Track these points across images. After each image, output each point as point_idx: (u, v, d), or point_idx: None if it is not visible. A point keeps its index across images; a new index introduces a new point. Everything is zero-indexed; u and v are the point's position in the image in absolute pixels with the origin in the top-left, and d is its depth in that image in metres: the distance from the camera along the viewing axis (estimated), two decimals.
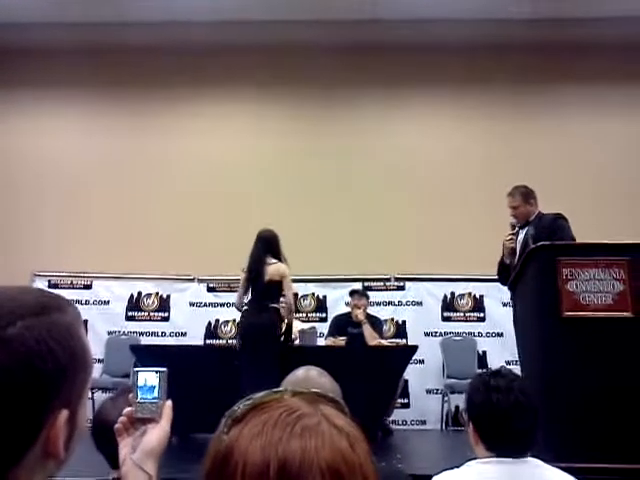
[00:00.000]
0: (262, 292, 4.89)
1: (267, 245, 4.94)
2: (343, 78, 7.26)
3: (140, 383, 1.09)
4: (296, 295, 4.92)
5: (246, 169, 7.13)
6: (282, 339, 4.97)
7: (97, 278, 6.91)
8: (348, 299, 6.19)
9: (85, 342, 0.75)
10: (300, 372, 1.57)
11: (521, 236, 4.34)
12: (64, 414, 0.69)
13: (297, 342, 5.52)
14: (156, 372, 1.11)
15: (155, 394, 1.08)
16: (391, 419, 5.85)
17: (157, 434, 1.05)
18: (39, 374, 0.67)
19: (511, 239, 4.33)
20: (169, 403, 1.08)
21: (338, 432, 0.62)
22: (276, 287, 4.88)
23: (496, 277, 4.65)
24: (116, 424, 1.07)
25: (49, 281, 6.85)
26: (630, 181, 6.88)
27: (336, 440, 0.61)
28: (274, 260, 4.90)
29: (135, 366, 6.11)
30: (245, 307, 5.03)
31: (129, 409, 1.07)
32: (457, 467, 1.69)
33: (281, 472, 0.58)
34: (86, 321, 6.62)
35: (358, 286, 6.50)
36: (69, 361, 0.70)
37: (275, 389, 0.68)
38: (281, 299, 4.92)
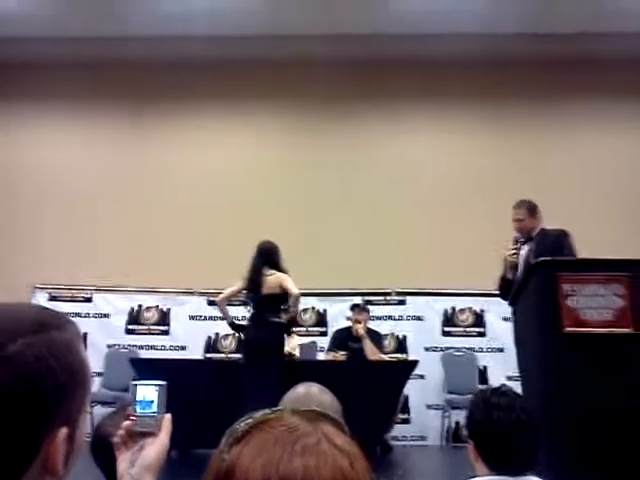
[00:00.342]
0: (262, 305, 4.87)
1: (266, 256, 4.92)
2: (346, 91, 7.31)
3: (139, 397, 1.08)
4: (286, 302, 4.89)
5: (247, 182, 7.15)
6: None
7: (97, 291, 6.90)
8: (348, 313, 6.18)
9: (84, 359, 0.75)
10: (301, 389, 1.56)
11: (524, 251, 4.32)
12: (63, 431, 0.69)
13: (297, 356, 5.51)
14: (155, 385, 1.09)
15: (154, 408, 1.07)
16: (391, 435, 5.81)
17: (156, 448, 1.04)
18: (39, 392, 0.67)
19: (514, 254, 4.31)
20: (168, 417, 1.07)
21: (339, 451, 0.62)
22: (277, 300, 4.85)
23: (497, 292, 4.64)
24: (114, 438, 1.07)
25: (49, 294, 6.85)
26: (634, 192, 6.88)
27: (337, 459, 0.61)
28: (272, 271, 4.88)
29: (134, 379, 6.08)
30: (247, 322, 5.03)
31: (128, 423, 1.06)
32: None
33: None
34: (86, 334, 6.58)
35: (358, 300, 6.50)
36: (68, 378, 0.70)
37: (275, 408, 0.68)
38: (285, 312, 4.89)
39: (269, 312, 4.84)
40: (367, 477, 0.63)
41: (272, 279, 4.84)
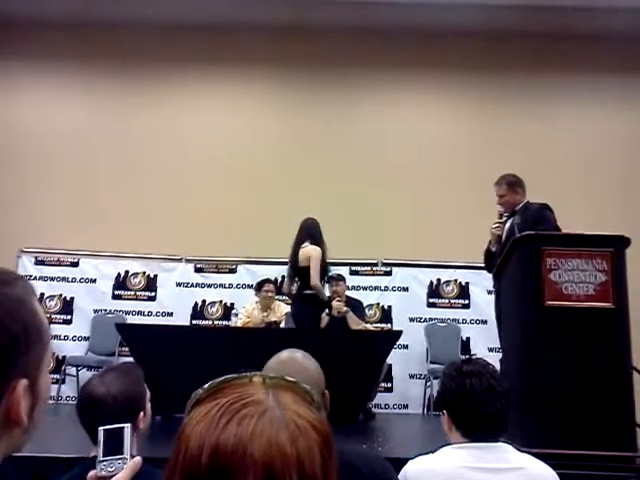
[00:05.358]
0: (298, 278, 5.01)
1: (306, 232, 5.01)
2: (340, 59, 7.21)
3: (105, 441, 1.06)
4: (323, 277, 4.95)
5: (237, 150, 7.09)
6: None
7: (84, 256, 6.87)
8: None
9: (39, 315, 0.75)
10: (285, 354, 1.58)
11: (508, 225, 4.38)
12: (23, 383, 0.71)
13: (282, 325, 5.55)
14: (120, 428, 1.08)
15: (121, 451, 1.06)
16: (374, 403, 5.91)
17: None
18: None
19: (498, 226, 4.38)
20: (137, 460, 1.06)
21: (284, 424, 0.60)
22: (307, 272, 4.90)
23: (482, 265, 4.70)
24: None
25: (35, 257, 6.81)
26: (620, 169, 6.93)
27: (275, 432, 0.59)
28: (306, 244, 4.94)
29: (120, 346, 6.11)
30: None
31: (93, 472, 1.04)
32: (432, 452, 1.73)
33: (213, 460, 0.58)
34: (72, 299, 6.63)
35: (345, 270, 6.53)
36: (21, 333, 0.71)
37: (244, 373, 0.68)
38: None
39: (302, 286, 4.94)
40: (312, 456, 0.60)
41: (303, 252, 4.94)
